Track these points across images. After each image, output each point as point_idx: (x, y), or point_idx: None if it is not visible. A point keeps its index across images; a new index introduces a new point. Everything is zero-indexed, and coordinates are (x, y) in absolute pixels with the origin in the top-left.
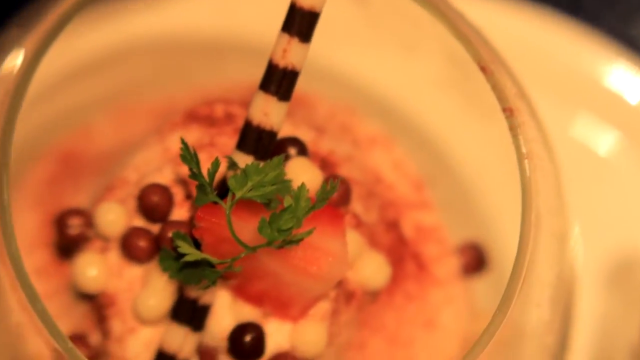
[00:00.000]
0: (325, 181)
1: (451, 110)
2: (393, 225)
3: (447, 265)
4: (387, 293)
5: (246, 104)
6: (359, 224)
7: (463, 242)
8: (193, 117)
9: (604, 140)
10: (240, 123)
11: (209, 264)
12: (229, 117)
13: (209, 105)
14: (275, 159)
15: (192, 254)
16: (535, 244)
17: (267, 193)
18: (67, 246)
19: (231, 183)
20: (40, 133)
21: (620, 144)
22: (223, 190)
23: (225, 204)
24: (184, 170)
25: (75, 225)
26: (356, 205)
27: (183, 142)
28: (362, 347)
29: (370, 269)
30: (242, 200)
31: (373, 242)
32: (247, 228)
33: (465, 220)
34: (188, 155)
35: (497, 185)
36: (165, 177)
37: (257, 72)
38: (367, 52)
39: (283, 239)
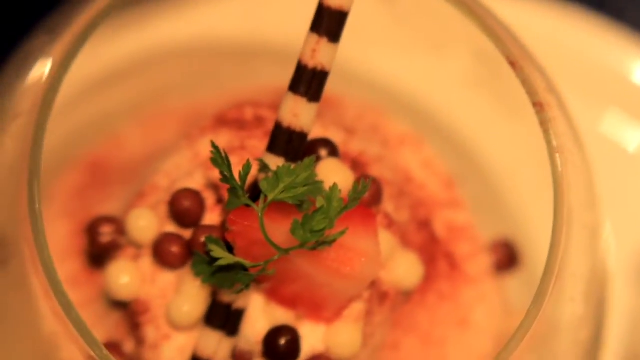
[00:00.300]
0: (357, 181)
1: (480, 108)
2: (424, 225)
3: (479, 263)
4: (419, 292)
5: (276, 106)
6: (390, 224)
7: (494, 240)
8: (222, 121)
9: (633, 136)
10: (270, 126)
11: (242, 268)
12: (258, 120)
13: (238, 109)
14: (307, 160)
15: (225, 257)
16: (567, 238)
17: (298, 195)
18: (98, 254)
19: (263, 185)
20: (69, 142)
21: None
22: (255, 193)
23: (258, 207)
24: (215, 174)
25: (106, 233)
26: (387, 205)
27: (214, 145)
28: (395, 347)
29: (404, 268)
30: (274, 202)
31: (405, 241)
32: (279, 230)
33: (496, 218)
34: (219, 159)
35: (527, 181)
36: (196, 181)
37: (286, 75)
38: (394, 52)
39: (316, 240)
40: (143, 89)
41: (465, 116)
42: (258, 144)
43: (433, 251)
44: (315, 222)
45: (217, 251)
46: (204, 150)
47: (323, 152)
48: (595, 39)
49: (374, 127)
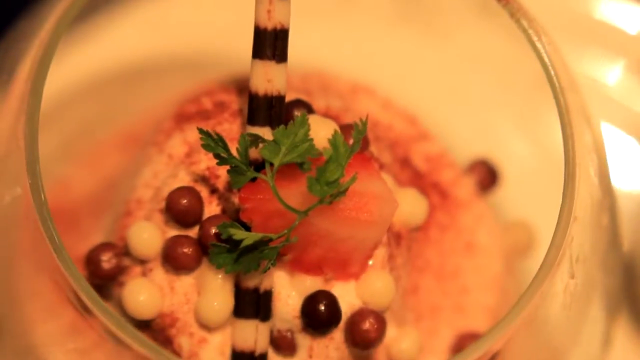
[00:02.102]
0: (352, 124)
1: (411, 43)
2: (405, 162)
3: (465, 186)
4: (422, 230)
5: (230, 90)
6: (382, 166)
7: (471, 161)
8: (184, 117)
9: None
10: (233, 107)
11: (266, 243)
12: (220, 106)
13: (195, 102)
14: (299, 118)
15: (248, 237)
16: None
17: (302, 152)
18: (100, 286)
19: (265, 153)
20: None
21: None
22: (254, 168)
23: (266, 177)
24: (199, 168)
25: (108, 259)
26: (372, 149)
27: (202, 131)
28: (415, 291)
29: (409, 205)
30: (278, 169)
31: (396, 181)
32: (291, 195)
33: (466, 140)
34: (211, 142)
35: (485, 92)
36: (182, 180)
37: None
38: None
39: (333, 192)
40: (71, 126)
41: (402, 55)
42: (230, 127)
43: (421, 185)
44: (329, 173)
45: (239, 233)
46: (177, 149)
47: (300, 112)
48: None
49: (324, 87)
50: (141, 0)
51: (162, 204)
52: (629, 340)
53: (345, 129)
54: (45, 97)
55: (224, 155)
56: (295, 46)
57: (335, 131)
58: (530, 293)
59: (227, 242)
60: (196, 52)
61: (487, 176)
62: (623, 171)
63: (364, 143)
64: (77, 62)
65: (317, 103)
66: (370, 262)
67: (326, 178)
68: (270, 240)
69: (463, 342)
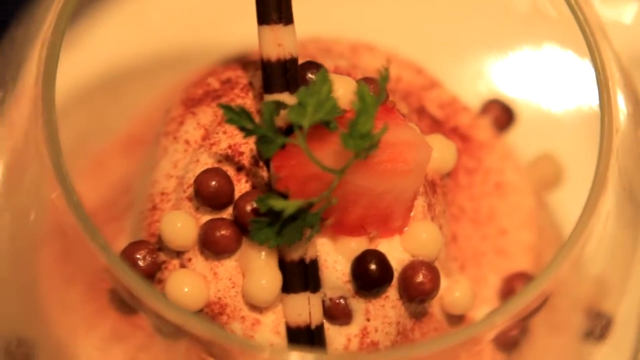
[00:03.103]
0: (363, 81)
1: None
2: (422, 111)
3: (484, 127)
4: (451, 177)
5: (232, 67)
6: (403, 116)
7: (484, 102)
8: (193, 101)
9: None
10: (241, 82)
11: (307, 209)
12: (227, 83)
13: (201, 84)
14: (320, 75)
15: (290, 205)
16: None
17: (330, 110)
18: None
19: (292, 116)
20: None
21: None
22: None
23: (298, 140)
24: (220, 148)
25: (142, 256)
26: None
27: (223, 106)
28: (454, 239)
29: (439, 151)
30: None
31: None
32: (323, 156)
33: (476, 82)
34: (235, 116)
35: (484, 33)
36: (205, 163)
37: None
38: None
39: (367, 145)
40: (65, 142)
41: (397, 3)
42: (242, 102)
43: (441, 132)
44: (361, 125)
45: (279, 203)
46: (192, 135)
47: (314, 74)
48: None
49: (325, 49)
50: (116, 2)
51: (189, 192)
52: None
53: (363, 83)
54: None
55: (249, 127)
56: None
57: (360, 82)
58: (586, 214)
59: (266, 216)
60: (178, 45)
61: (502, 114)
62: None
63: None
64: (62, 74)
65: (326, 64)
66: (413, 214)
67: (359, 130)
68: (311, 205)
69: (511, 283)
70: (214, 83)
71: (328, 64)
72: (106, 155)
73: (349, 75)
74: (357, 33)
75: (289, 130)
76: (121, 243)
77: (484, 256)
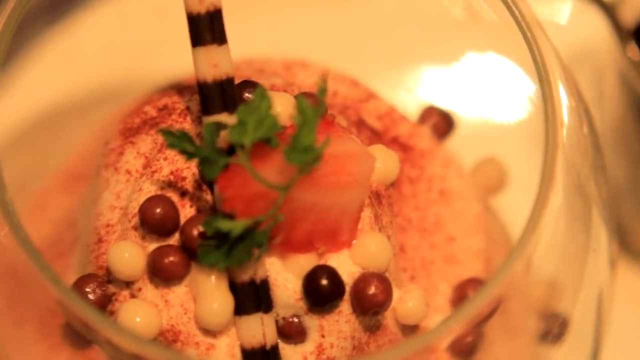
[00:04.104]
0: (304, 94)
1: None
2: (360, 124)
3: (424, 136)
4: (395, 187)
5: (167, 94)
6: (343, 130)
7: (422, 110)
8: (131, 131)
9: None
10: (178, 108)
11: (254, 228)
12: (165, 109)
13: (138, 113)
14: (258, 92)
15: (237, 225)
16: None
17: (270, 127)
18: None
19: (233, 136)
20: None
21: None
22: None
23: (240, 158)
24: (162, 175)
25: (92, 289)
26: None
27: (163, 131)
28: (403, 249)
29: (382, 161)
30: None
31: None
32: (266, 174)
33: (410, 92)
34: (176, 140)
35: (412, 41)
36: (148, 191)
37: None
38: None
39: (310, 158)
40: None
41: (324, 20)
42: (181, 126)
43: (381, 143)
44: (303, 139)
45: (227, 224)
46: (132, 164)
47: (250, 92)
48: None
49: (258, 69)
50: (46, 41)
51: (134, 221)
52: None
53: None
54: None
55: (190, 150)
56: None
57: (299, 97)
58: (536, 212)
59: (213, 239)
60: (112, 77)
61: (441, 121)
62: None
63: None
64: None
65: (260, 81)
66: (360, 226)
67: (301, 144)
68: (259, 224)
69: (463, 290)
70: (151, 111)
71: (263, 83)
72: (47, 194)
73: (285, 92)
74: (289, 51)
75: (231, 150)
76: (69, 279)
77: (433, 265)
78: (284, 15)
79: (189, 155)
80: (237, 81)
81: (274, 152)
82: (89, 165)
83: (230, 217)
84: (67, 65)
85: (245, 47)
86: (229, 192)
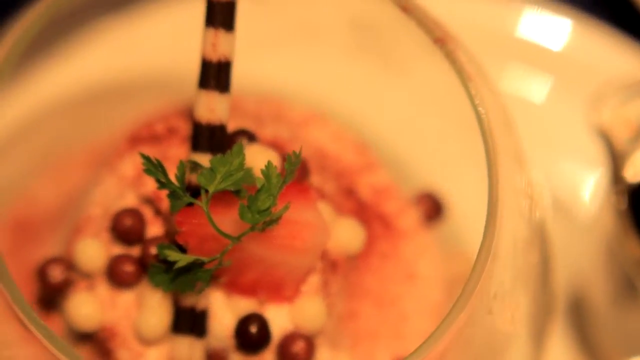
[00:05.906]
0: (288, 155)
1: (367, 73)
2: (350, 192)
3: (409, 218)
4: (363, 258)
5: (183, 115)
6: (322, 196)
7: (417, 193)
8: (137, 140)
9: (537, 88)
10: (183, 133)
11: (200, 265)
12: (171, 131)
13: (149, 126)
14: (235, 147)
15: (182, 258)
16: (496, 169)
17: (237, 181)
18: (50, 297)
19: (201, 180)
20: None
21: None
22: (194, 191)
23: (201, 202)
24: (145, 190)
25: (57, 273)
26: (314, 179)
27: (143, 156)
28: (353, 316)
29: (346, 234)
30: (214, 195)
31: (338, 210)
32: (226, 221)
33: (413, 173)
34: (152, 167)
35: (436, 134)
36: (129, 201)
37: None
38: (274, 48)
39: (264, 220)
40: (43, 142)
41: (358, 85)
42: (177, 151)
43: (365, 215)
44: (261, 202)
45: (173, 254)
46: (127, 170)
47: (244, 141)
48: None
49: (277, 115)
50: (111, 22)
51: (108, 224)
52: None
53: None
54: (16, 116)
55: (162, 180)
56: (253, 70)
57: (269, 162)
58: (444, 325)
59: (164, 263)
60: (165, 73)
61: (432, 208)
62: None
63: (304, 173)
64: (50, 82)
65: (266, 131)
66: (305, 288)
67: (257, 207)
68: (204, 263)
69: None
70: (160, 128)
71: (269, 130)
72: (73, 164)
73: (283, 146)
74: (317, 99)
75: (199, 191)
76: (52, 252)
77: (379, 337)
78: (322, 63)
79: (161, 185)
80: (246, 120)
81: (237, 203)
82: (107, 153)
83: (182, 249)
84: (122, 52)
85: (275, 84)
86: (185, 227)
